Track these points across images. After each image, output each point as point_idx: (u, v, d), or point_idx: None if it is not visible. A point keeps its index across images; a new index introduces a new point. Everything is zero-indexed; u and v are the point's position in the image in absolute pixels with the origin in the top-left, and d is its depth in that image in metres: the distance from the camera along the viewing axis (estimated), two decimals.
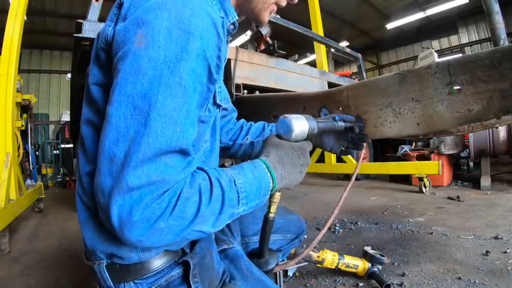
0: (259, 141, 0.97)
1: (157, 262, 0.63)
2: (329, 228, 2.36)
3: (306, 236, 1.21)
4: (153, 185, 0.46)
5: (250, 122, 1.05)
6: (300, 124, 0.68)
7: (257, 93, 2.06)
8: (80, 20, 1.42)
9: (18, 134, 3.65)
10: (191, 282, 0.62)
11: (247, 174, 0.58)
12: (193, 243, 0.70)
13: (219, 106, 0.66)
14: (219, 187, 0.53)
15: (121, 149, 0.46)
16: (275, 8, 0.73)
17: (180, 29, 0.48)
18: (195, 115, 0.53)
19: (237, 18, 0.67)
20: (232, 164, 0.75)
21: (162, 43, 0.48)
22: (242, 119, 1.06)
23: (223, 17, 0.59)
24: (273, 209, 0.73)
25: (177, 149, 0.49)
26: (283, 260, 1.09)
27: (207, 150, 0.71)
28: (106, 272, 0.60)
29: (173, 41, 0.48)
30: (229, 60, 1.94)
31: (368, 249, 1.46)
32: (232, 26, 0.67)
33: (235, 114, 1.04)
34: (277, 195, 0.72)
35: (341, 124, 0.84)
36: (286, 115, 0.69)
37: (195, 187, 0.51)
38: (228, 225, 0.90)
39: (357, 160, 0.99)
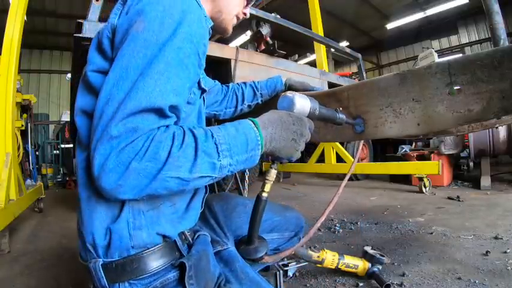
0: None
1: (154, 263, 0.63)
2: (329, 228, 2.36)
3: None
4: (128, 132, 0.52)
5: (240, 85, 1.17)
6: (303, 101, 0.69)
7: None
8: (80, 20, 1.42)
9: (18, 134, 3.65)
10: (186, 285, 0.63)
11: (227, 128, 0.61)
12: (190, 246, 0.71)
13: (203, 91, 0.72)
14: (191, 135, 0.56)
15: (110, 108, 0.53)
16: (235, 20, 0.88)
17: (171, 19, 0.58)
18: (179, 87, 0.58)
19: (212, 24, 0.75)
20: None
21: (156, 29, 0.57)
22: (230, 83, 1.17)
23: (206, 16, 0.67)
24: (267, 187, 0.70)
25: (155, 107, 0.54)
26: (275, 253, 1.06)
27: None
28: (101, 271, 0.61)
29: (165, 27, 0.57)
30: (229, 60, 1.94)
31: (368, 249, 1.46)
32: (210, 30, 0.75)
33: (219, 84, 1.14)
34: (273, 172, 0.69)
35: (342, 116, 0.85)
36: (289, 91, 0.70)
37: (169, 133, 0.55)
38: (219, 225, 0.91)
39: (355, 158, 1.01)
